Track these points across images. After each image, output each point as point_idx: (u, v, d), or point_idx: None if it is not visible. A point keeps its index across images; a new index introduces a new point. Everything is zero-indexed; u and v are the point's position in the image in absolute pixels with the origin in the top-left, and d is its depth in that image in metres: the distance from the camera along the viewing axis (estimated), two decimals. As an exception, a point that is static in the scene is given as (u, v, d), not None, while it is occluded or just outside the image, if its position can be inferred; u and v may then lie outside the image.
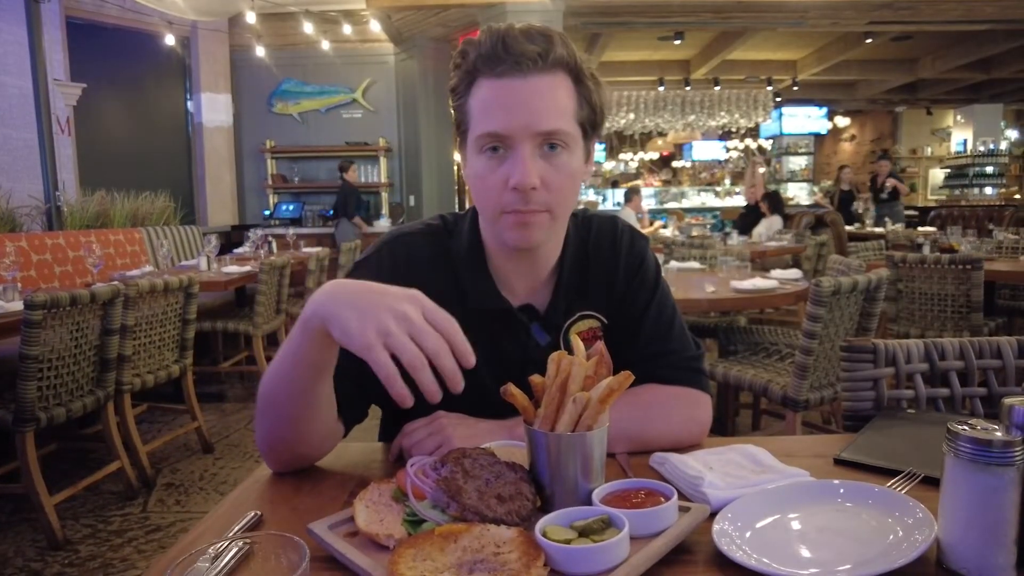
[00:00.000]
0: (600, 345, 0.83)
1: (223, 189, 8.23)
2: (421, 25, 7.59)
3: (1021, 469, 0.63)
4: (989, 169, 13.12)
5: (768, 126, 13.62)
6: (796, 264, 5.55)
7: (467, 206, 1.55)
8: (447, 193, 8.78)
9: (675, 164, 16.07)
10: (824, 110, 13.93)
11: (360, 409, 1.03)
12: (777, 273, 3.62)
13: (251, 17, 6.88)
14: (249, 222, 8.20)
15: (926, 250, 4.54)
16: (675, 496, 0.74)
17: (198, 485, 3.13)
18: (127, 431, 3.01)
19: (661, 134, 14.19)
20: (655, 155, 16.09)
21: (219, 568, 0.61)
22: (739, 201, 11.24)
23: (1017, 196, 13.38)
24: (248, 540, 0.63)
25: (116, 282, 2.90)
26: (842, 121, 14.93)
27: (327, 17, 7.59)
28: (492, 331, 1.04)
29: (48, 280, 4.65)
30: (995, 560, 0.64)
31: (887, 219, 8.42)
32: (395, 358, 0.72)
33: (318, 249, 5.63)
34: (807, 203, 11.68)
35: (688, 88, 11.47)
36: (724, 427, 3.22)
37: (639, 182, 13.42)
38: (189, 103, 7.99)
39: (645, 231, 7.79)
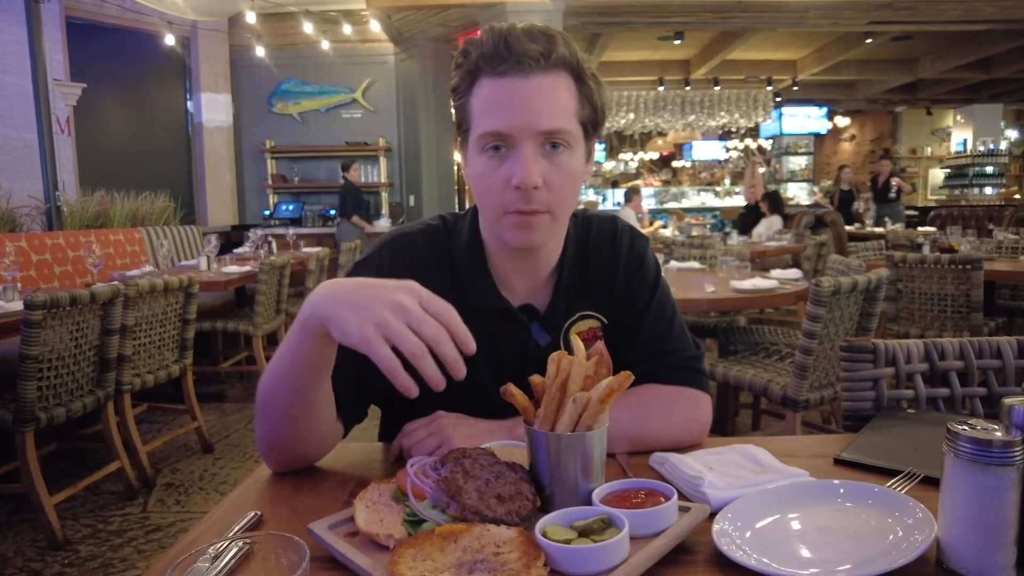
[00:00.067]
0: (600, 345, 0.83)
1: (223, 189, 8.23)
2: (421, 25, 7.59)
3: (1021, 469, 0.63)
4: (989, 169, 13.11)
5: (768, 126, 13.62)
6: (796, 264, 5.55)
7: (467, 206, 1.55)
8: (447, 193, 8.78)
9: (675, 164, 16.08)
10: (824, 110, 13.94)
11: (360, 409, 1.03)
12: (777, 273, 3.62)
13: (251, 17, 6.88)
14: (249, 222, 8.20)
15: (926, 250, 4.54)
16: (675, 496, 0.74)
17: (198, 485, 3.13)
18: (127, 431, 3.01)
19: (661, 134, 14.19)
20: (655, 155, 16.09)
21: (219, 568, 0.61)
22: (739, 201, 11.25)
23: (1017, 196, 13.37)
24: (248, 540, 0.63)
25: (116, 282, 2.90)
26: (842, 121, 14.93)
27: (327, 17, 7.59)
28: (492, 331, 1.04)
29: (48, 280, 4.65)
30: (995, 560, 0.64)
31: (887, 219, 8.42)
32: (396, 350, 0.72)
33: (318, 249, 5.63)
34: (807, 203, 11.67)
35: (688, 88, 11.47)
36: (724, 427, 3.22)
37: (639, 182, 13.40)
38: (189, 103, 7.99)
39: (645, 231, 7.79)
